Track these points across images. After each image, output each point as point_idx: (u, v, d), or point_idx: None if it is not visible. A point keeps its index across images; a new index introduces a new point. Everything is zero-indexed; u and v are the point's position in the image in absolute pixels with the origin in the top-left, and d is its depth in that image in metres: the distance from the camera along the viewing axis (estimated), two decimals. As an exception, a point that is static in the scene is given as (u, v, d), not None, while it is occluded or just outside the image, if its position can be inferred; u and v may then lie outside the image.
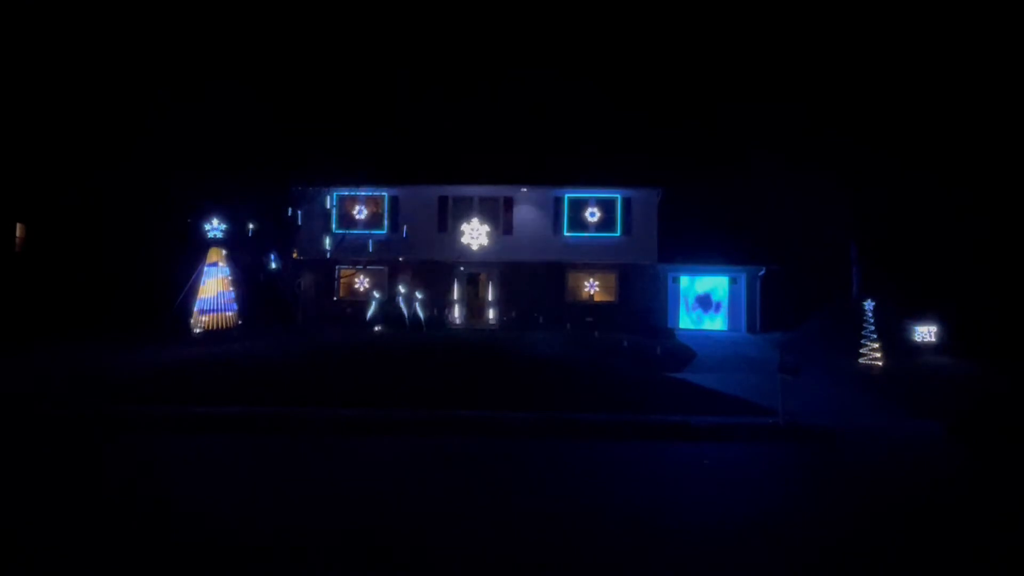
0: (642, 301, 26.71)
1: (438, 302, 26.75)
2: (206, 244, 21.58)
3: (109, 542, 5.86)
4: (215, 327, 21.12)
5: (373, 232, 27.05)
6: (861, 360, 18.87)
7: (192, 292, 21.41)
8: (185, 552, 5.67)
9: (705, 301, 28.00)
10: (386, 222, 27.35)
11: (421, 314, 24.91)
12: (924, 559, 5.89)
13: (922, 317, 21.22)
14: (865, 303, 19.63)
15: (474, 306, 27.70)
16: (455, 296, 27.41)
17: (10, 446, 9.50)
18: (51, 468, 8.33)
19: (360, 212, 27.43)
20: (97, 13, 27.95)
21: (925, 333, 20.94)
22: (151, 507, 6.80)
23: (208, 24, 29.16)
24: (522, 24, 38.72)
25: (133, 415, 11.15)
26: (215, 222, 21.59)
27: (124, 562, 5.46)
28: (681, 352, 20.50)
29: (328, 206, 27.24)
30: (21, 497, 7.13)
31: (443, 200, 27.23)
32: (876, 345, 18.89)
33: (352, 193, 27.25)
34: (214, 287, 21.48)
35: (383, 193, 27.37)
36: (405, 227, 26.82)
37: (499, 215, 27.09)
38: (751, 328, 26.88)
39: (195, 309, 21.19)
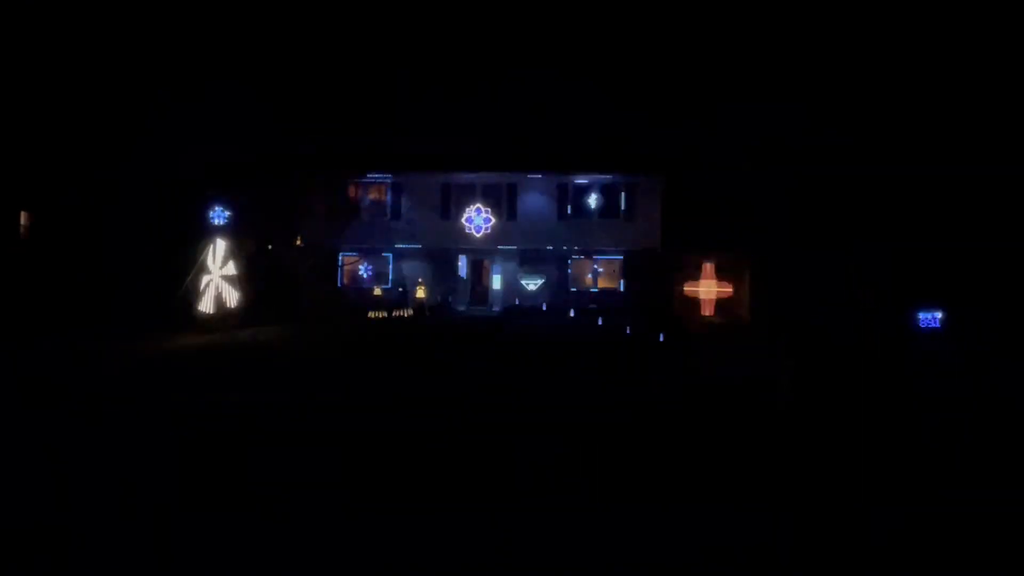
0: (646, 287, 26.65)
1: (441, 288, 26.79)
2: (210, 231, 21.60)
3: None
4: (220, 314, 21.19)
5: (377, 218, 27.04)
6: (860, 349, 18.78)
7: (197, 279, 21.45)
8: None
9: (708, 287, 27.85)
10: (389, 208, 27.36)
11: (424, 300, 24.95)
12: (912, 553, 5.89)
13: (927, 304, 21.12)
14: (869, 289, 19.56)
15: (477, 292, 27.71)
16: (458, 282, 27.43)
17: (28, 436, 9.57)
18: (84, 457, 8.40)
19: (363, 199, 27.43)
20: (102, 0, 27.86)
21: (930, 319, 20.86)
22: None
23: (212, 9, 29.03)
24: (527, 9, 38.41)
25: (149, 404, 11.22)
26: (219, 209, 21.61)
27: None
28: (683, 338, 20.47)
29: (332, 193, 27.24)
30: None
31: (446, 187, 27.18)
32: (875, 332, 18.82)
33: (356, 180, 27.24)
34: (218, 274, 21.53)
35: (386, 180, 27.35)
36: (408, 214, 26.82)
37: (502, 201, 27.03)
38: (754, 314, 26.78)
39: (200, 296, 21.25)
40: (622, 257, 26.97)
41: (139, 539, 5.75)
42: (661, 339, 19.46)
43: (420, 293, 25.29)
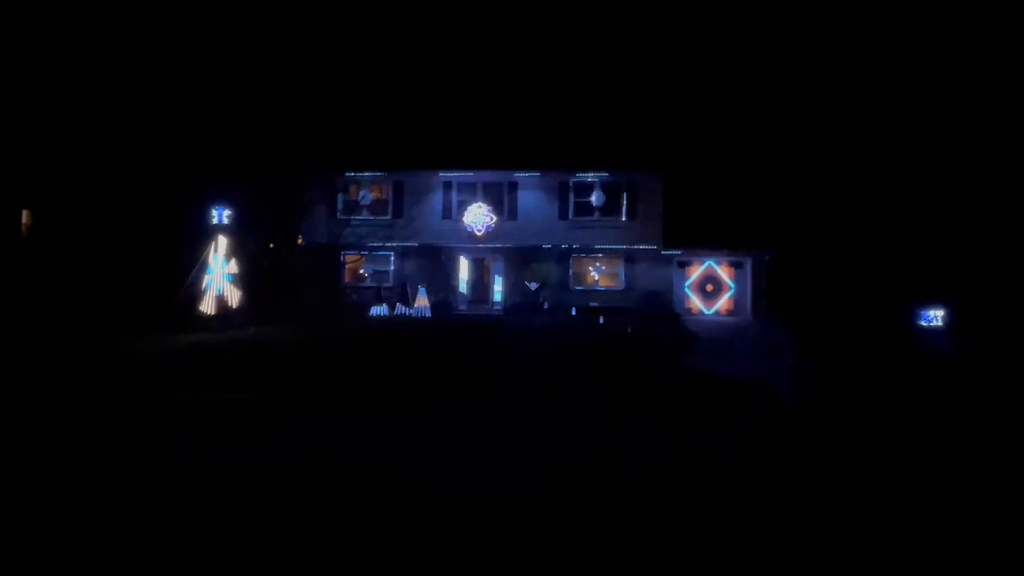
0: (647, 286, 26.65)
1: (443, 287, 26.77)
2: (212, 230, 21.57)
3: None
4: (221, 313, 21.16)
5: (378, 217, 27.03)
6: (866, 345, 18.80)
7: (198, 278, 21.43)
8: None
9: (710, 286, 27.88)
10: (391, 207, 27.33)
11: (426, 299, 24.92)
12: (908, 546, 5.89)
13: (930, 302, 21.14)
14: (871, 288, 19.58)
15: (479, 291, 27.70)
16: (460, 281, 27.42)
17: (44, 432, 9.56)
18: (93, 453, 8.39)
19: (365, 198, 27.41)
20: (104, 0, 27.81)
21: (933, 317, 20.87)
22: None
23: (212, 10, 29.00)
24: (527, 6, 38.39)
25: (152, 401, 11.22)
26: (221, 208, 21.57)
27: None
28: (686, 337, 20.49)
29: (334, 192, 27.23)
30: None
31: (447, 185, 27.16)
32: (880, 330, 18.84)
33: (357, 179, 27.24)
34: (220, 273, 21.50)
35: (388, 179, 27.33)
36: (410, 212, 26.79)
37: (503, 200, 27.00)
38: (756, 313, 26.79)
39: (201, 295, 21.23)
40: (623, 256, 26.94)
41: (137, 536, 5.74)
42: (663, 337, 19.46)
43: (421, 292, 25.24)
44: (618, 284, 27.13)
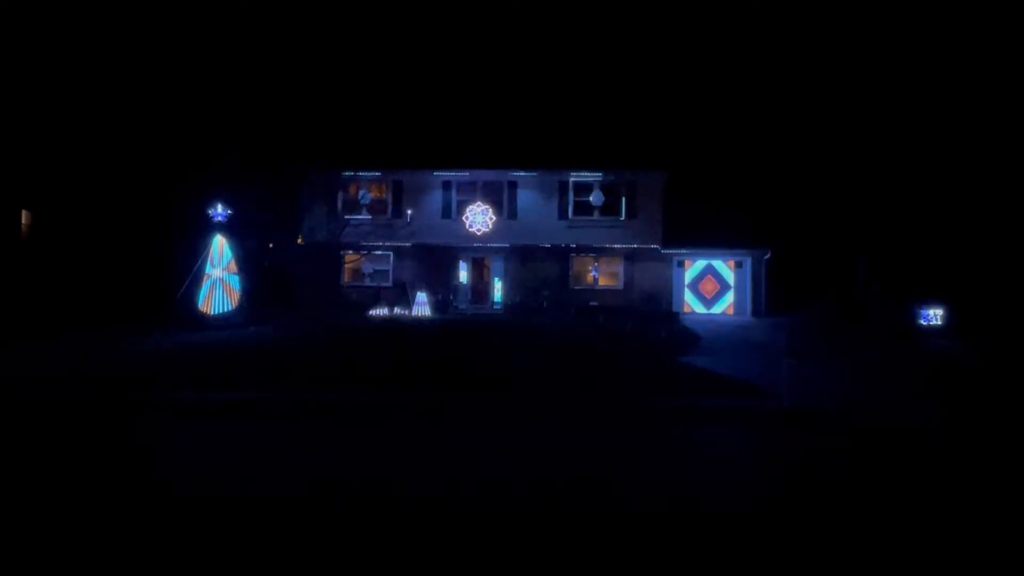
0: (647, 285, 26.66)
1: (443, 286, 26.77)
2: (211, 229, 21.56)
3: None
4: (220, 313, 21.17)
5: (377, 217, 27.03)
6: (867, 344, 18.82)
7: (197, 278, 21.41)
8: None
9: (710, 285, 27.88)
10: (390, 207, 27.34)
11: (426, 299, 24.92)
12: (914, 545, 5.88)
13: (929, 301, 21.13)
14: (871, 287, 19.58)
15: (479, 290, 27.71)
16: (459, 280, 27.42)
17: (42, 432, 9.56)
18: (86, 454, 8.39)
19: (364, 197, 27.41)
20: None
21: (932, 317, 20.87)
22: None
23: (212, 10, 29.00)
24: (527, 6, 38.38)
25: (154, 401, 11.21)
26: (220, 207, 21.56)
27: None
28: (686, 336, 20.47)
29: (333, 191, 27.21)
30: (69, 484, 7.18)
31: (447, 184, 27.17)
32: (882, 329, 18.84)
33: (356, 178, 27.23)
34: (219, 272, 21.50)
35: (387, 178, 27.34)
36: (409, 212, 26.79)
37: (503, 199, 27.00)
38: (756, 312, 26.80)
39: (200, 295, 21.22)
40: (623, 255, 26.94)
41: (135, 535, 5.73)
42: (663, 337, 19.45)
43: (421, 292, 25.24)
44: (618, 284, 27.13)
